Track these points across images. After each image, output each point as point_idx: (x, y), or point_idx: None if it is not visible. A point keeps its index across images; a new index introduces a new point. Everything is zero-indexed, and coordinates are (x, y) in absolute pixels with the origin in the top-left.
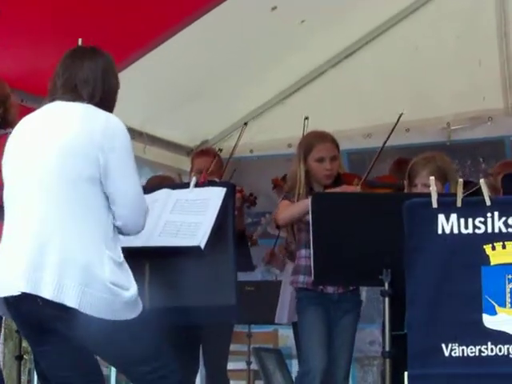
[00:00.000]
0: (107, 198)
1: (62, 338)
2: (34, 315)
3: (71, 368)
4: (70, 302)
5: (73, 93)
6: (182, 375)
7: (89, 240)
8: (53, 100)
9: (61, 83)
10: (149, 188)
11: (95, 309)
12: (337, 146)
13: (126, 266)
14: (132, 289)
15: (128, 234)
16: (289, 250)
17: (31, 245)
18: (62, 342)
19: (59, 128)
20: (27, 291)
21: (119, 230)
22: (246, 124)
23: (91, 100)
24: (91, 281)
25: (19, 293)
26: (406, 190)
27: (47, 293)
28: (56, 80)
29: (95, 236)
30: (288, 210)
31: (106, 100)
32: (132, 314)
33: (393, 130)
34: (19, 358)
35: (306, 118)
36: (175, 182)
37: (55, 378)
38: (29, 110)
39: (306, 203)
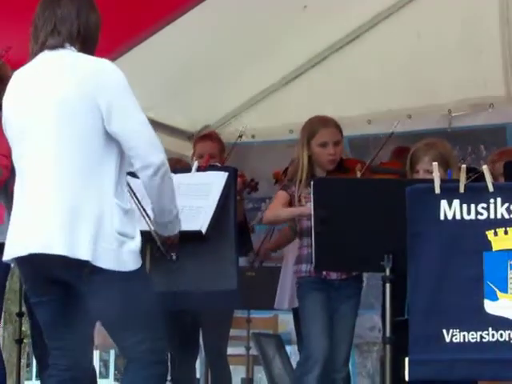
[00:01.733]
0: (114, 144)
1: (67, 291)
2: (46, 269)
3: (67, 325)
4: (83, 255)
5: (53, 34)
6: (167, 358)
7: (98, 192)
8: (40, 49)
9: (41, 24)
10: None
11: (104, 261)
12: (340, 131)
13: (133, 212)
14: (137, 237)
15: (148, 177)
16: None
17: (44, 203)
18: (68, 295)
19: (55, 85)
20: (38, 251)
21: (141, 177)
22: (240, 136)
23: (72, 38)
24: (102, 233)
25: (32, 252)
26: (407, 177)
27: (59, 249)
28: (37, 22)
29: (104, 187)
30: (275, 212)
31: (88, 36)
32: (137, 264)
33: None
34: (19, 341)
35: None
36: (188, 165)
37: (49, 334)
38: None
39: (296, 211)
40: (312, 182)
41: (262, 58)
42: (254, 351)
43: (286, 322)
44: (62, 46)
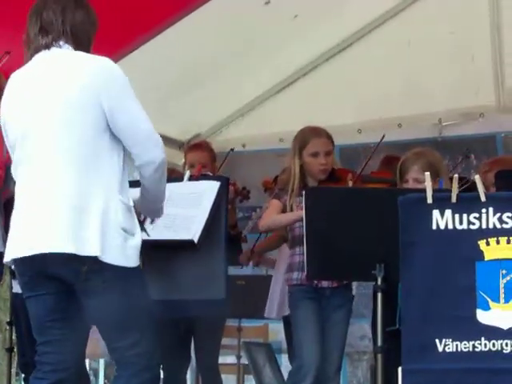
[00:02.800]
0: (117, 141)
1: (64, 287)
2: (46, 267)
3: (59, 319)
4: (92, 251)
5: (42, 34)
6: (160, 362)
7: (103, 189)
8: (34, 52)
9: (31, 30)
10: None
11: (111, 256)
12: (332, 141)
13: (133, 209)
14: (137, 234)
15: (149, 173)
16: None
17: (49, 202)
18: (64, 291)
19: (59, 85)
20: (47, 251)
21: (143, 173)
22: (232, 150)
23: (62, 36)
24: (108, 228)
25: (40, 252)
26: (397, 186)
27: (68, 247)
28: (28, 30)
29: (109, 183)
30: (274, 218)
31: (78, 34)
32: (137, 260)
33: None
34: (10, 349)
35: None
36: (181, 175)
37: (38, 328)
38: None
39: (294, 215)
40: (304, 191)
41: (253, 67)
42: (244, 360)
43: (276, 331)
44: (53, 44)
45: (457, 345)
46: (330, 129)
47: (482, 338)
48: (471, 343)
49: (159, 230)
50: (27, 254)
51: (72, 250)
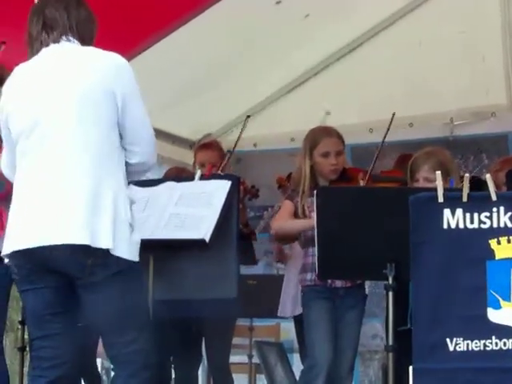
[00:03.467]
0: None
1: (64, 280)
2: (48, 260)
3: (58, 314)
4: (105, 243)
5: (47, 31)
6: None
7: (114, 182)
8: (39, 49)
9: (33, 29)
10: (165, 180)
11: (120, 249)
12: (342, 141)
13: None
14: (137, 229)
15: (143, 172)
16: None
17: (63, 193)
18: (63, 285)
19: (74, 78)
20: (60, 242)
21: (133, 169)
22: (248, 117)
23: (68, 31)
24: (118, 222)
25: (51, 244)
26: (408, 185)
27: (82, 238)
28: (29, 30)
29: (118, 177)
30: (285, 223)
31: (83, 30)
32: (138, 256)
33: (389, 129)
34: (22, 349)
35: (328, 113)
36: (191, 174)
37: (35, 322)
38: None
39: (306, 223)
40: (315, 191)
41: (265, 66)
42: (256, 359)
43: (288, 330)
44: (62, 38)
45: (468, 344)
46: (341, 128)
47: (493, 337)
48: (482, 342)
49: (170, 230)
50: (31, 246)
51: (86, 241)
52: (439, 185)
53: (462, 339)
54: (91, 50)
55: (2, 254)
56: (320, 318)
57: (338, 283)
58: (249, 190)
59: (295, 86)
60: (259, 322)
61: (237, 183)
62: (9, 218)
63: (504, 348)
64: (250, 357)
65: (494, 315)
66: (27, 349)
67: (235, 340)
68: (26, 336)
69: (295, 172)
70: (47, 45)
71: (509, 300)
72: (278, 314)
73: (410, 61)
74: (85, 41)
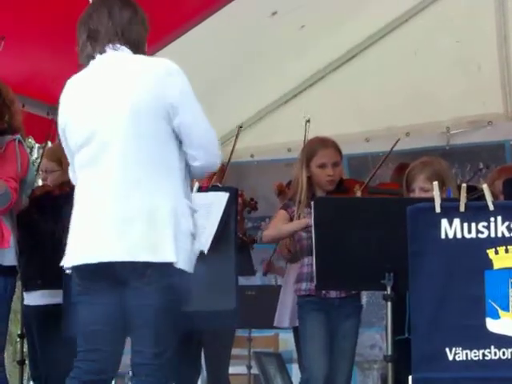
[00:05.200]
0: (180, 144)
1: (119, 293)
2: (110, 272)
3: (107, 322)
4: (169, 257)
5: (90, 40)
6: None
7: (172, 193)
8: (87, 60)
9: (80, 39)
10: None
11: (182, 261)
12: (339, 152)
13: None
14: (199, 238)
15: (203, 174)
16: (290, 250)
17: (122, 207)
18: (119, 299)
19: (126, 88)
20: (123, 259)
21: (195, 172)
22: (240, 127)
23: (113, 38)
24: (179, 233)
25: (116, 260)
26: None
27: (145, 255)
28: (78, 40)
29: (176, 187)
30: (275, 229)
31: (129, 34)
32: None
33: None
34: (21, 362)
35: (308, 121)
36: None
37: (86, 334)
38: (29, 115)
39: (295, 225)
40: (313, 201)
41: (261, 77)
42: (255, 370)
43: (286, 341)
44: (108, 47)
45: (467, 353)
46: (337, 138)
47: (492, 347)
48: (481, 352)
49: None
50: (96, 261)
51: (147, 258)
52: (436, 195)
53: (460, 349)
54: (139, 59)
55: (64, 266)
56: (314, 332)
57: (333, 293)
58: (248, 202)
59: (291, 96)
60: (258, 332)
61: (235, 195)
62: (70, 231)
63: (503, 357)
64: (249, 368)
65: (492, 325)
66: (26, 362)
67: (234, 351)
68: (25, 350)
69: (292, 181)
70: (93, 56)
71: (507, 310)
72: (275, 324)
73: (405, 70)
74: (133, 45)
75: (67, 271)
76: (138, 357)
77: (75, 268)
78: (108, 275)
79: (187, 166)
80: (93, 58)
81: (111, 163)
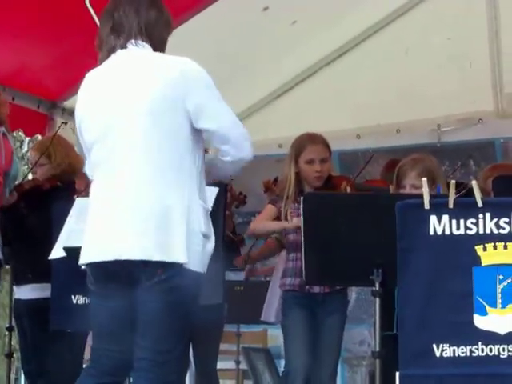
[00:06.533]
0: (198, 145)
1: (132, 293)
2: (123, 272)
3: (120, 324)
4: (180, 258)
5: (113, 34)
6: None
7: (186, 192)
8: (108, 54)
9: (102, 32)
10: None
11: (193, 262)
12: (328, 148)
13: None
14: (212, 238)
15: (235, 168)
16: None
17: (135, 205)
18: (132, 299)
19: (143, 85)
20: (137, 258)
21: (228, 167)
22: None
23: (135, 35)
24: (191, 234)
25: (126, 258)
26: (393, 192)
27: (157, 255)
28: (99, 32)
29: (191, 187)
30: (260, 225)
31: (152, 32)
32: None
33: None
34: (9, 355)
35: None
36: None
37: (102, 335)
38: (19, 109)
39: (277, 225)
40: (302, 197)
41: (252, 72)
42: (243, 365)
43: (275, 336)
44: (130, 43)
45: (454, 350)
46: (328, 134)
47: (479, 343)
48: (468, 348)
49: None
50: (109, 259)
51: (160, 257)
52: (425, 191)
53: (448, 345)
54: (159, 57)
55: (79, 262)
56: (297, 326)
57: (316, 289)
58: (236, 196)
59: (283, 92)
60: (246, 328)
61: (224, 190)
62: (86, 229)
63: (490, 354)
64: (238, 363)
65: (480, 321)
66: (14, 355)
67: (222, 346)
68: (13, 343)
69: (281, 177)
70: (114, 50)
71: (495, 306)
72: (262, 318)
73: (397, 67)
74: (154, 44)
75: (82, 267)
76: (140, 351)
77: (91, 266)
78: (121, 275)
79: (203, 166)
80: (113, 51)
81: (125, 161)
